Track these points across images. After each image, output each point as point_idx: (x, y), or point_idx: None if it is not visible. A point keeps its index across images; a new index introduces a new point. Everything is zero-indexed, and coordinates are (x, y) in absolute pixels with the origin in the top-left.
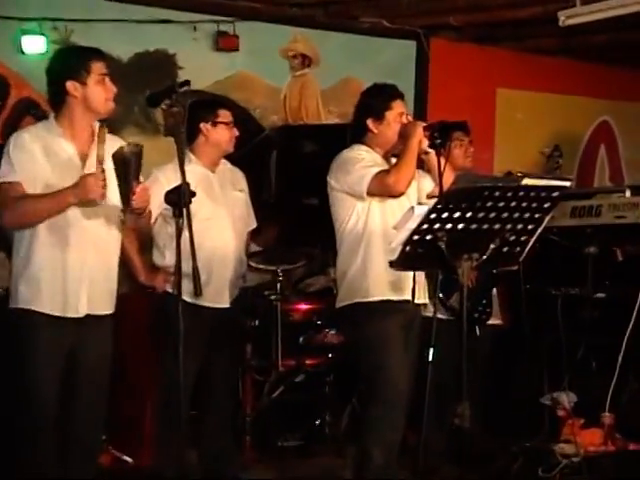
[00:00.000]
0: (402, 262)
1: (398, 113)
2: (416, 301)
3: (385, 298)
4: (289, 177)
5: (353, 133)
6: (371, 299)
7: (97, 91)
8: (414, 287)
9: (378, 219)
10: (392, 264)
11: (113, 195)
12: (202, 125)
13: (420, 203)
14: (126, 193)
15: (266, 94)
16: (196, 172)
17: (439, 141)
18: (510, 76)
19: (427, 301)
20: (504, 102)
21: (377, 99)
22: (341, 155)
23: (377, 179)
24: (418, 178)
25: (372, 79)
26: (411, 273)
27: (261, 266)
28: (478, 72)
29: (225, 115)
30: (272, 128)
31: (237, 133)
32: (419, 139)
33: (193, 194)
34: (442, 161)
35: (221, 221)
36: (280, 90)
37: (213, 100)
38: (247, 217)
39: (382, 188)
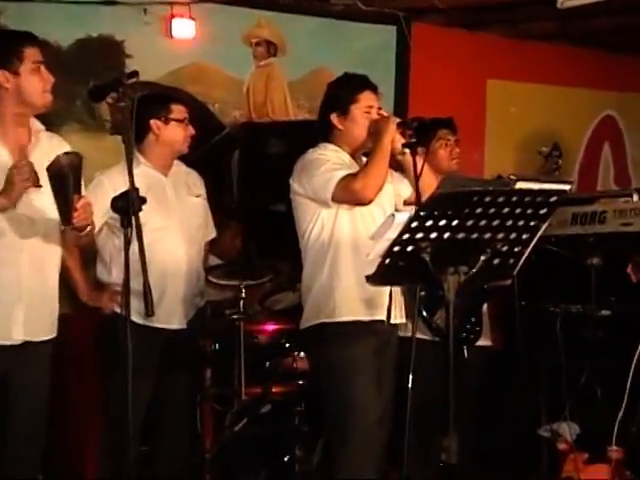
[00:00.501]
0: (381, 276)
1: (366, 107)
2: (392, 321)
3: (355, 318)
4: (253, 180)
5: (319, 130)
6: (338, 319)
7: (32, 81)
8: (390, 305)
9: (347, 228)
10: (369, 279)
11: (51, 207)
12: (152, 122)
13: (397, 210)
14: (65, 210)
15: (226, 87)
16: (146, 175)
17: (414, 140)
18: (502, 65)
19: (404, 320)
20: (496, 95)
21: (342, 91)
22: (305, 156)
23: (342, 184)
24: (394, 182)
25: (346, 69)
26: (386, 289)
27: (221, 281)
28: (466, 61)
29: (179, 111)
30: (233, 125)
31: (193, 131)
32: (391, 137)
33: (143, 200)
34: (419, 163)
35: (175, 231)
36: (242, 82)
37: (165, 94)
38: (205, 226)
39: (348, 194)
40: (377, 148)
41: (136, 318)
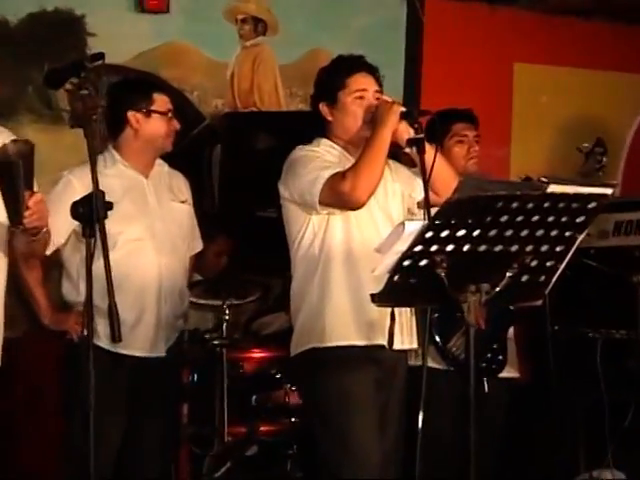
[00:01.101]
0: (388, 296)
1: (356, 91)
2: (397, 346)
3: (348, 343)
4: (238, 181)
5: (313, 123)
6: (329, 344)
7: None
8: (392, 327)
9: (339, 237)
10: (374, 298)
11: None
12: (131, 114)
13: (411, 214)
14: (14, 207)
15: (207, 71)
16: (123, 176)
17: (421, 135)
18: (532, 47)
19: (415, 346)
20: (524, 81)
21: (329, 76)
22: (292, 154)
23: (329, 185)
24: (407, 180)
25: (348, 51)
26: (387, 310)
27: (202, 301)
28: (489, 42)
29: (162, 101)
30: (215, 116)
31: (178, 126)
32: (392, 127)
33: (109, 206)
34: (429, 161)
35: (156, 242)
36: (225, 66)
37: (146, 80)
38: (191, 237)
39: (335, 197)
40: (371, 140)
41: (106, 344)
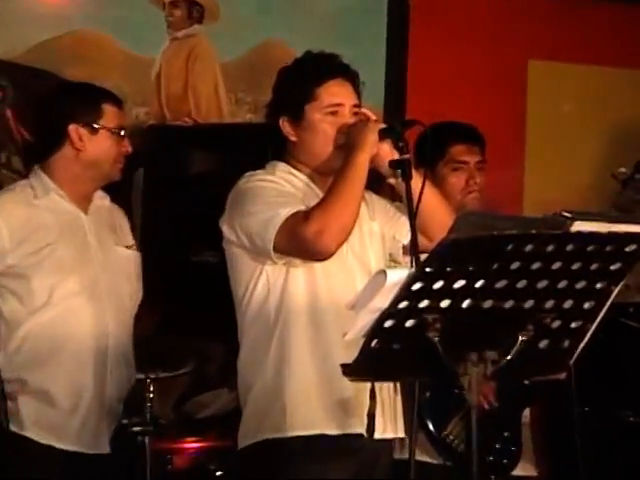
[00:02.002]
0: (365, 367)
1: (329, 105)
2: (379, 434)
3: (316, 432)
4: (166, 215)
5: (267, 139)
6: (290, 433)
7: None
8: (372, 408)
9: (302, 293)
10: (347, 370)
11: None
12: (73, 128)
13: (394, 261)
14: None
15: (124, 70)
16: (57, 210)
17: (406, 156)
18: (551, 39)
19: (401, 435)
20: (541, 84)
21: (293, 82)
22: (239, 183)
23: (288, 227)
24: (386, 218)
25: (311, 45)
26: (366, 386)
27: None
28: (496, 32)
29: (113, 114)
30: (136, 130)
31: (129, 148)
32: (370, 152)
33: None
34: (416, 188)
35: (98, 299)
36: (150, 63)
37: (93, 86)
38: (137, 291)
39: (296, 244)
40: (345, 169)
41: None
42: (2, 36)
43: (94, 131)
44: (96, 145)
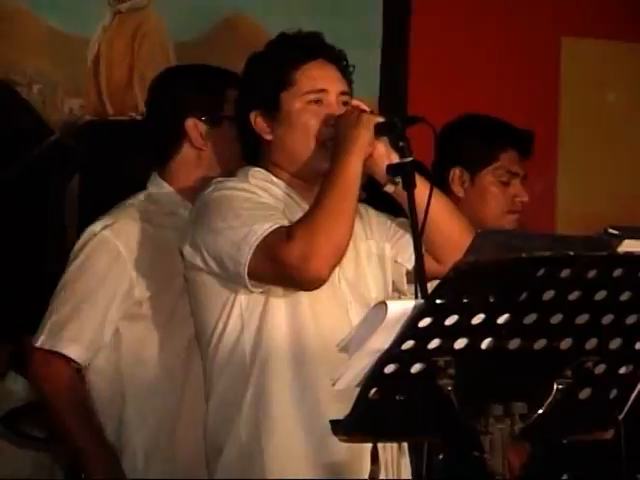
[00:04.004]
0: (359, 424)
1: (308, 92)
2: None
3: None
4: None
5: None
6: None
7: None
8: (374, 474)
9: (284, 328)
10: (338, 428)
11: None
12: (191, 123)
13: (396, 291)
14: None
15: (54, 52)
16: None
17: (410, 158)
18: (589, 11)
19: None
20: (577, 66)
21: (267, 67)
22: (203, 195)
23: (266, 249)
24: (389, 235)
25: (285, 21)
26: (366, 447)
27: None
28: (521, 4)
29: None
30: (69, 127)
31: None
32: (362, 152)
33: None
34: (420, 200)
35: None
36: (86, 43)
37: (210, 67)
38: None
39: (275, 269)
40: (334, 174)
41: None
42: None
43: (216, 124)
44: (220, 140)
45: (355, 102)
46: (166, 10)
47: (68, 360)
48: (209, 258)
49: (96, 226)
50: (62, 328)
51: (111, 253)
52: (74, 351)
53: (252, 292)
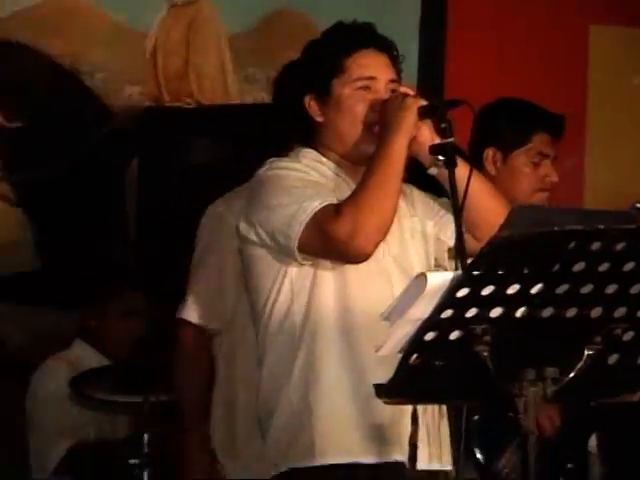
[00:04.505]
0: (401, 386)
1: (357, 79)
2: (422, 465)
3: (350, 460)
4: (165, 212)
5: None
6: (319, 461)
7: None
8: (414, 435)
9: (332, 301)
10: (380, 391)
11: None
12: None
13: (438, 267)
14: None
15: (115, 43)
16: None
17: (451, 139)
18: (613, 3)
19: (447, 466)
20: (605, 52)
21: (321, 54)
22: (258, 174)
23: (315, 224)
24: (432, 214)
25: (334, 14)
26: (408, 410)
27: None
28: None
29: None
30: (129, 113)
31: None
32: (407, 135)
33: None
34: (462, 180)
35: None
36: (144, 35)
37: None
38: None
39: (324, 243)
40: (380, 155)
41: None
42: None
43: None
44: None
45: (403, 89)
46: (219, 4)
47: (202, 329)
48: (262, 232)
49: (216, 206)
50: (194, 301)
51: (230, 229)
52: (202, 319)
53: (302, 265)
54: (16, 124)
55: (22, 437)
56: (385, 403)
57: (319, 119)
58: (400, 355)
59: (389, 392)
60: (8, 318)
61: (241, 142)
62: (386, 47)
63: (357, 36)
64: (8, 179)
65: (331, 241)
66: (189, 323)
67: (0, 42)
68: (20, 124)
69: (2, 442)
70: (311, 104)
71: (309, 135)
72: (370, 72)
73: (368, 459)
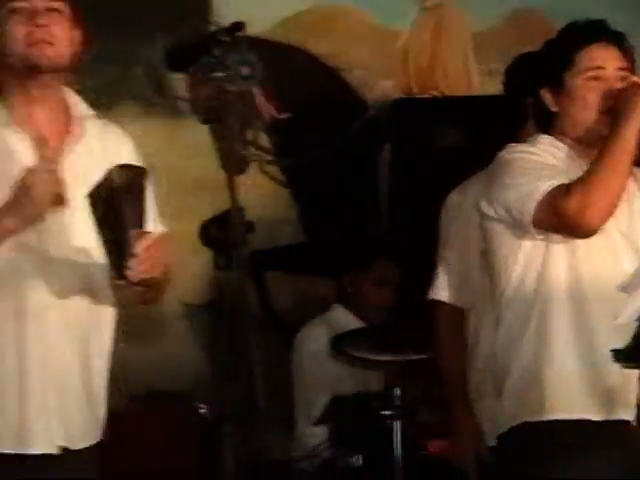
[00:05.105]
0: (638, 353)
1: (587, 69)
2: None
3: (579, 416)
4: (415, 192)
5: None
6: (550, 416)
7: (13, 29)
8: None
9: (563, 272)
10: (619, 356)
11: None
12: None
13: None
14: (115, 255)
15: (371, 43)
16: None
17: None
18: None
19: None
20: None
21: (553, 51)
22: (498, 156)
23: (547, 202)
24: None
25: (575, 12)
26: (634, 373)
27: (368, 356)
28: None
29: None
30: (382, 104)
31: None
32: (639, 124)
33: (250, 227)
34: None
35: None
36: (396, 35)
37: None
38: None
39: (555, 219)
40: (611, 141)
41: None
42: (249, 12)
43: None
44: None
45: (635, 78)
46: (464, 5)
47: (454, 306)
48: (500, 209)
49: (454, 194)
50: (444, 280)
51: (467, 214)
52: (453, 298)
53: (535, 238)
54: (285, 115)
55: (288, 390)
56: (622, 367)
57: (554, 109)
58: (635, 324)
59: (628, 357)
60: (277, 284)
61: (479, 129)
62: (615, 39)
63: (587, 32)
64: (279, 164)
65: (562, 217)
66: (442, 303)
67: (275, 43)
68: (289, 115)
69: (274, 395)
70: (546, 96)
71: (545, 123)
72: (599, 62)
73: (595, 416)
